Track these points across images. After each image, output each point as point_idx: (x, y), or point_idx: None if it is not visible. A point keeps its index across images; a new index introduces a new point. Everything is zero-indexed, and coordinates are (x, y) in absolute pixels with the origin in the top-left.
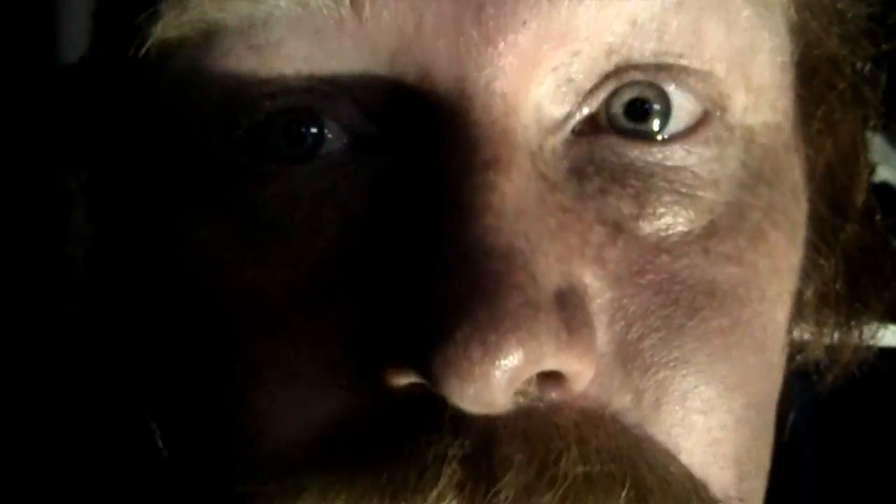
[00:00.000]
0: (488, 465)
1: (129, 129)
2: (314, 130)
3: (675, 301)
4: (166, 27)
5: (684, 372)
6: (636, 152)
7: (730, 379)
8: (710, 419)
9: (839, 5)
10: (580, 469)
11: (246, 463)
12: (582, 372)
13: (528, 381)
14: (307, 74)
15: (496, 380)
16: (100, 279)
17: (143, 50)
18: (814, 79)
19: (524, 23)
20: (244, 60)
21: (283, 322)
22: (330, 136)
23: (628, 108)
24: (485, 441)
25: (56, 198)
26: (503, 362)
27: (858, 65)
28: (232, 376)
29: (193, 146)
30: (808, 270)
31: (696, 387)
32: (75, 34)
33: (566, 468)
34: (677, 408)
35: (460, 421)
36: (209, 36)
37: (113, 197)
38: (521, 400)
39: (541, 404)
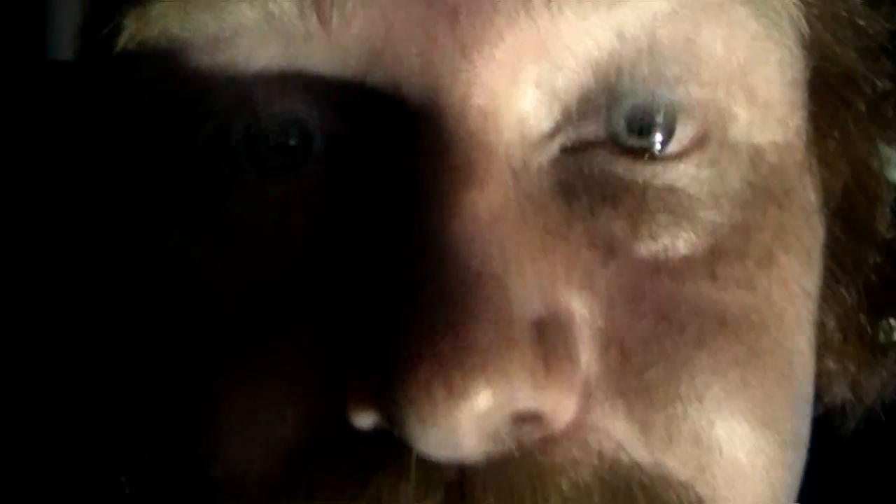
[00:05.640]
0: None
1: (109, 130)
2: (283, 137)
3: (682, 329)
4: (130, 40)
5: (697, 407)
6: (628, 168)
7: (753, 415)
8: (734, 457)
9: (858, 20)
10: None
11: (208, 496)
12: (559, 409)
13: (501, 421)
14: (278, 81)
15: (462, 425)
16: (84, 290)
17: (113, 55)
18: (829, 96)
19: (500, 35)
20: (212, 70)
21: (240, 342)
22: (300, 140)
23: (630, 121)
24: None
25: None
26: (469, 405)
27: (877, 81)
28: (197, 399)
29: (163, 150)
30: (828, 300)
31: (713, 423)
32: (66, 30)
33: None
34: (693, 444)
35: (429, 467)
36: (175, 48)
37: (95, 201)
38: (494, 443)
39: (517, 450)
